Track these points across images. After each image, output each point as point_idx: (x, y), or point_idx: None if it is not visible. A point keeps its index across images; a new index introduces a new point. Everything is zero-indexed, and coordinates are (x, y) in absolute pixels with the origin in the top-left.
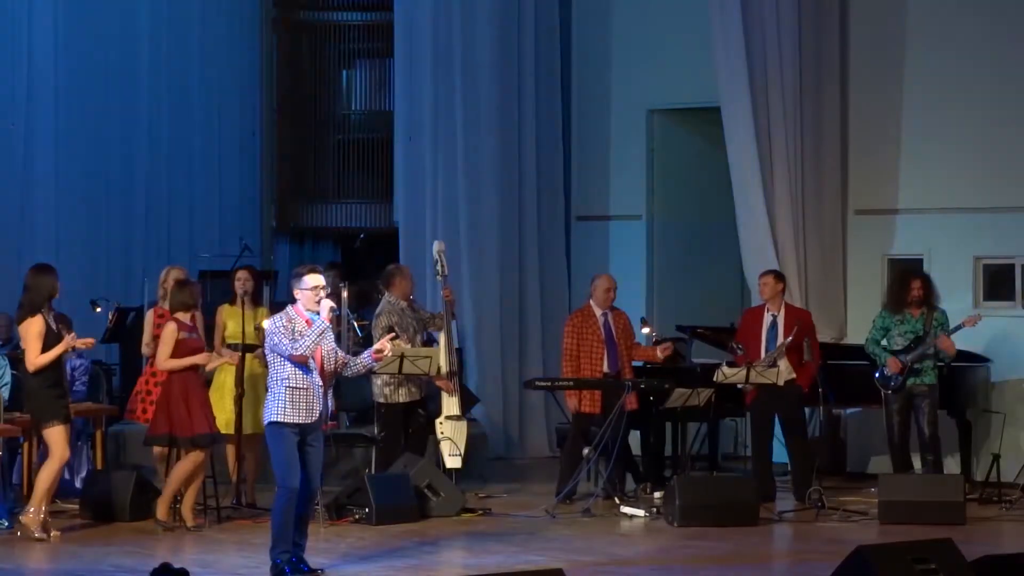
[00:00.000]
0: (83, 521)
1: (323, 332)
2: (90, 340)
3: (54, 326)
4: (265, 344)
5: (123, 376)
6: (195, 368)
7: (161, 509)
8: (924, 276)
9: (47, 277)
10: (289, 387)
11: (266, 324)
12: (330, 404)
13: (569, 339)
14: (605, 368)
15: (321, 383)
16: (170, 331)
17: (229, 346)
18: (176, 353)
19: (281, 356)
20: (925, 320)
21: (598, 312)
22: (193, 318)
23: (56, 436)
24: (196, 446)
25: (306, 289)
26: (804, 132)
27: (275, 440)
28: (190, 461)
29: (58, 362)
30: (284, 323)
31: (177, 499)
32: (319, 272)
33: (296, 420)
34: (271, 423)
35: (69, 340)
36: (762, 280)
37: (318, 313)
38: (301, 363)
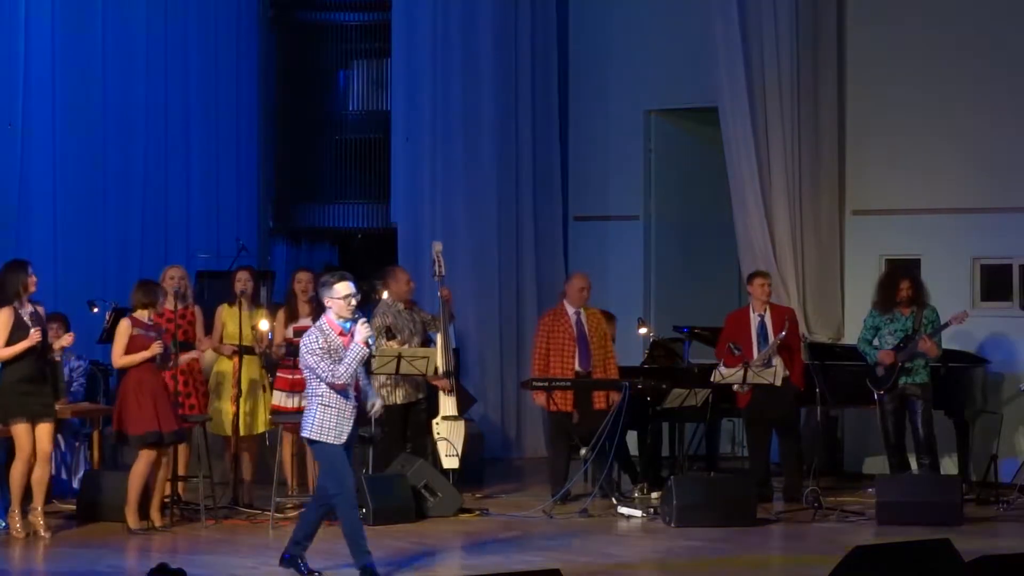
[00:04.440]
0: (80, 521)
1: (362, 357)
2: (66, 339)
3: (27, 320)
4: (299, 360)
5: (119, 376)
6: (151, 365)
7: (129, 517)
8: (913, 276)
9: (18, 272)
10: (322, 405)
11: (301, 344)
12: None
13: (540, 338)
14: (576, 367)
15: (356, 404)
16: (123, 328)
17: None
18: (130, 350)
19: (319, 378)
20: (915, 318)
21: (570, 311)
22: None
23: (19, 434)
24: (145, 444)
25: (338, 298)
26: (801, 133)
27: (318, 452)
28: (142, 461)
29: (32, 358)
30: (320, 343)
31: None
32: (348, 279)
33: (327, 440)
34: (305, 438)
35: (33, 336)
36: (761, 281)
37: (348, 321)
38: (339, 389)
